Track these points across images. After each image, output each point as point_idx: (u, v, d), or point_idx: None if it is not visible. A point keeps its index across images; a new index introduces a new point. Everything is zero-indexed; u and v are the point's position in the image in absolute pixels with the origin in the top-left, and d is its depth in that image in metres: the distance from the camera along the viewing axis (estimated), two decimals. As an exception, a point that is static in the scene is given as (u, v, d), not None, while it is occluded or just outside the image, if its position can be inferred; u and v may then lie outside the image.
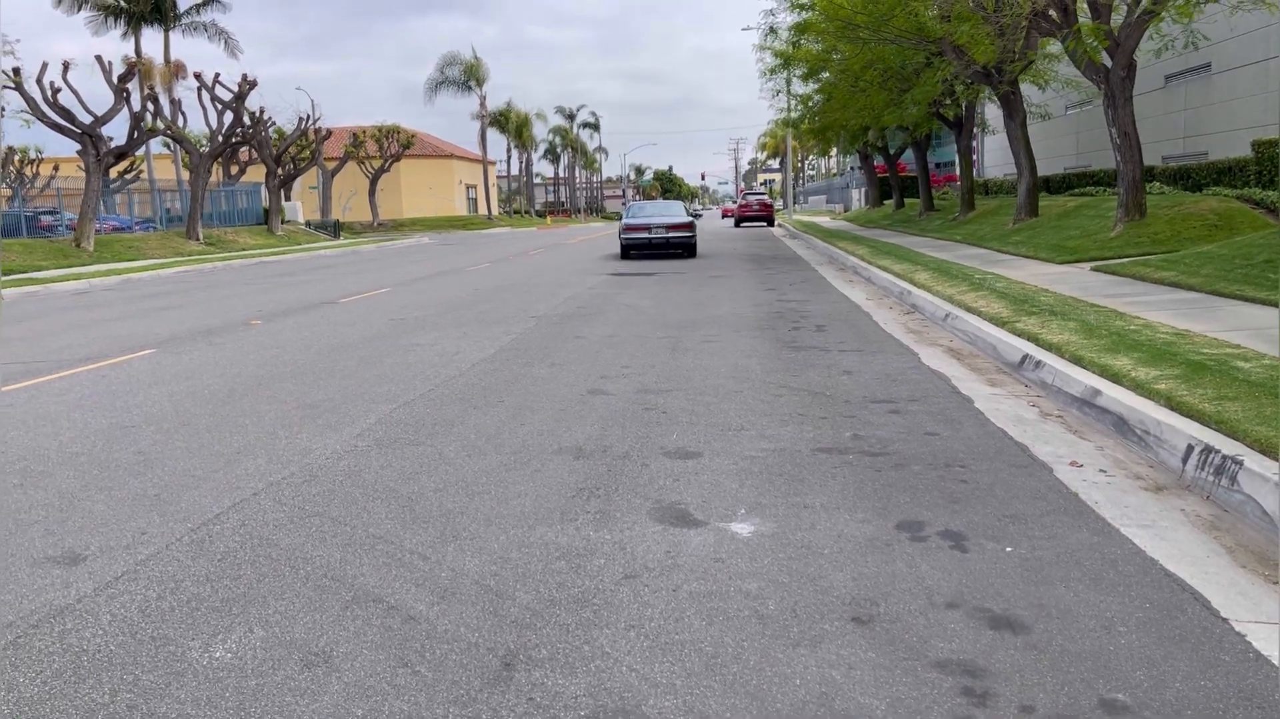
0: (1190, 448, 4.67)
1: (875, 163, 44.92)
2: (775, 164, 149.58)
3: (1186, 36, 12.42)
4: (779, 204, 75.19)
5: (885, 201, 44.95)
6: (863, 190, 54.73)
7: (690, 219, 24.73)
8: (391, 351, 9.28)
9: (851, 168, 62.40)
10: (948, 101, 27.13)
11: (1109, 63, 15.13)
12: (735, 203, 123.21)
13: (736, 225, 49.52)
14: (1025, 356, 7.32)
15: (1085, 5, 15.21)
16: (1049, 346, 7.31)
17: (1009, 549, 3.77)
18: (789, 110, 45.41)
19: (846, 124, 32.02)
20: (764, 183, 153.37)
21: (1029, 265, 14.58)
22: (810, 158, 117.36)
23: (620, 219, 26.52)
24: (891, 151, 38.68)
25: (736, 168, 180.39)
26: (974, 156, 53.50)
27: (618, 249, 24.97)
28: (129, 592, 3.57)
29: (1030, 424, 5.82)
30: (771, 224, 48.22)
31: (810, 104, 33.82)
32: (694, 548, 3.87)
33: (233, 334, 11.09)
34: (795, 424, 5.89)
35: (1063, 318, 8.51)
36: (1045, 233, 18.13)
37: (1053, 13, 15.26)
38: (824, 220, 48.96)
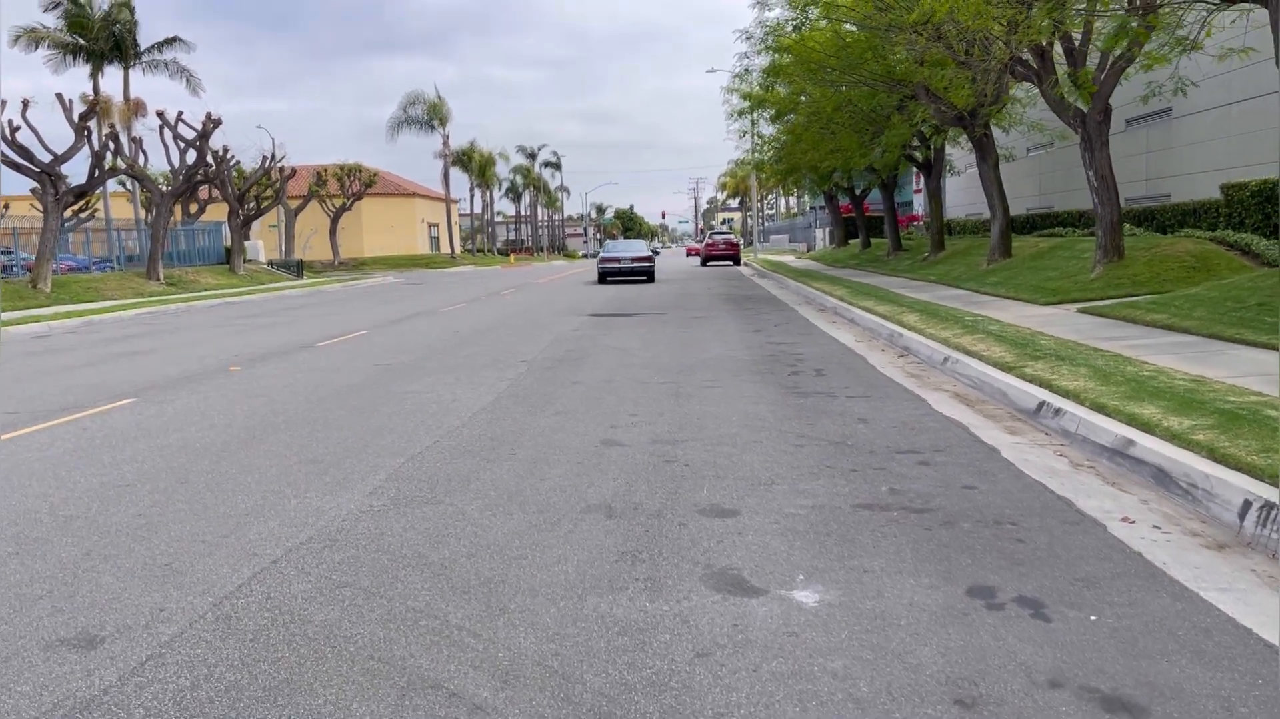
0: (1248, 503, 4.55)
1: (840, 203, 45.32)
2: (734, 204, 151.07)
3: (1174, 84, 12.58)
4: (743, 243, 75.64)
5: (850, 241, 45.34)
6: (827, 230, 55.24)
7: (650, 254, 34.30)
8: (384, 400, 8.99)
9: (814, 207, 63.00)
10: (916, 144, 27.45)
11: (1084, 107, 15.31)
12: (696, 242, 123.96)
13: (703, 264, 49.65)
14: (1042, 403, 7.22)
15: (1061, 51, 15.42)
16: (1065, 393, 7.21)
17: (1093, 618, 3.59)
18: (753, 151, 45.83)
19: (816, 165, 32.27)
20: (724, 221, 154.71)
21: (1013, 307, 14.62)
22: (770, 197, 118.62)
23: (584, 256, 38.70)
24: (858, 192, 39.04)
25: (696, 207, 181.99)
26: (927, 200, 54.44)
27: (588, 290, 25.06)
28: (159, 680, 3.27)
29: (1065, 476, 5.68)
30: (738, 263, 48.41)
31: (778, 145, 34.03)
32: (761, 620, 3.65)
33: (212, 381, 10.72)
34: (826, 477, 5.71)
35: (1070, 362, 8.44)
36: (1022, 274, 18.25)
37: (1029, 59, 15.45)
38: (789, 260, 49.27)
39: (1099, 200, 15.51)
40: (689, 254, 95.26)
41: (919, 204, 47.38)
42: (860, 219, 39.87)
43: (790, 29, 24.33)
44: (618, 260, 33.21)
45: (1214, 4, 10.57)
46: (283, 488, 5.81)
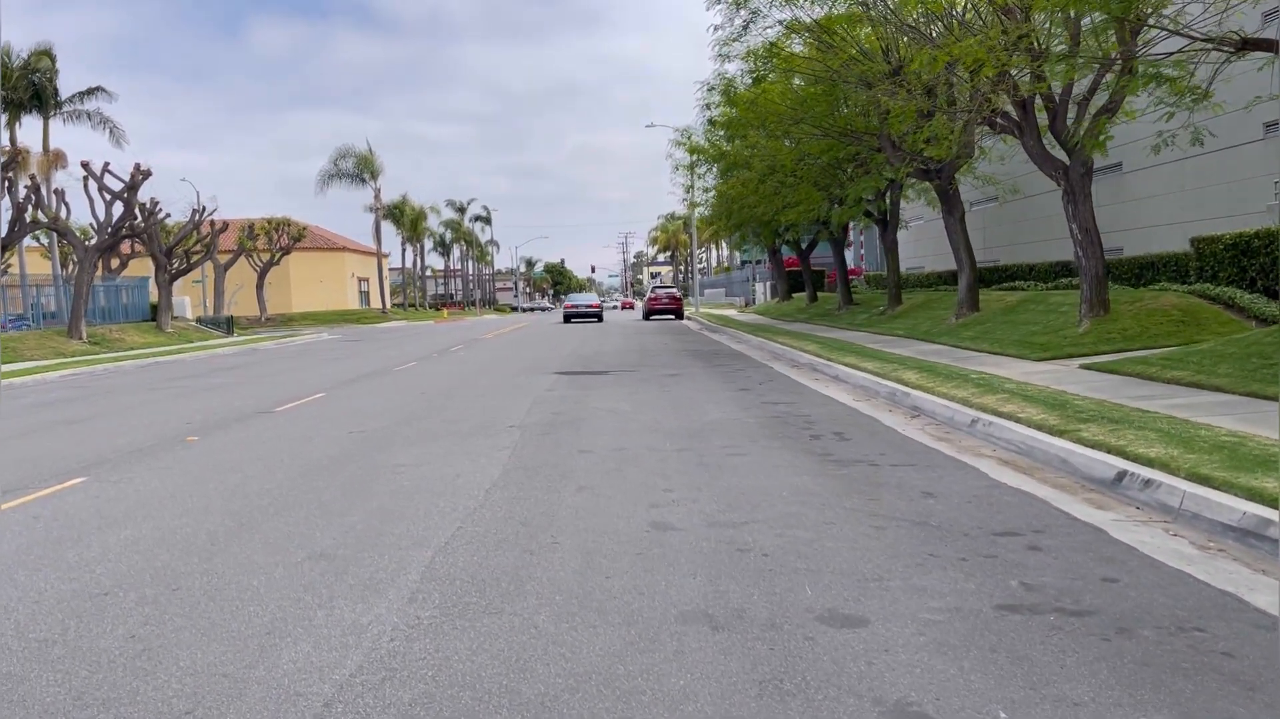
0: None
1: (783, 256, 45.36)
2: (663, 258, 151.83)
3: (1190, 134, 12.41)
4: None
5: (794, 295, 45.30)
6: (767, 284, 55.30)
7: (600, 303, 54.57)
8: (376, 475, 8.03)
9: (749, 261, 63.22)
10: (869, 198, 27.39)
11: (1096, 155, 15.13)
12: (628, 296, 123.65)
13: (645, 318, 49.17)
14: (1123, 473, 6.61)
15: (1041, 103, 15.28)
16: (1148, 462, 6.63)
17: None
18: (695, 205, 45.73)
19: (767, 218, 32.07)
20: (653, 275, 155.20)
21: (1008, 363, 14.21)
22: (700, 251, 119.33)
23: (515, 310, 68.09)
24: (804, 245, 39.03)
25: (625, 261, 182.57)
26: (858, 253, 54.89)
27: (542, 346, 24.45)
28: None
29: (1200, 562, 5.04)
30: (680, 317, 48.07)
31: (728, 199, 33.84)
32: (994, 782, 2.87)
33: (170, 453, 9.61)
34: (938, 570, 4.97)
35: (1128, 425, 7.89)
36: (999, 328, 17.97)
37: (1011, 111, 15.28)
38: (732, 313, 49.06)
39: (1083, 253, 15.30)
40: (623, 308, 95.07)
41: (850, 259, 47.59)
42: (807, 272, 39.83)
43: (749, 82, 24.15)
44: (577, 307, 51.69)
45: (1228, 51, 10.36)
46: (300, 594, 4.86)
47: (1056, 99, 15.02)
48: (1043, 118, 15.73)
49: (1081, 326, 15.29)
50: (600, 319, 49.73)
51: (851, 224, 37.24)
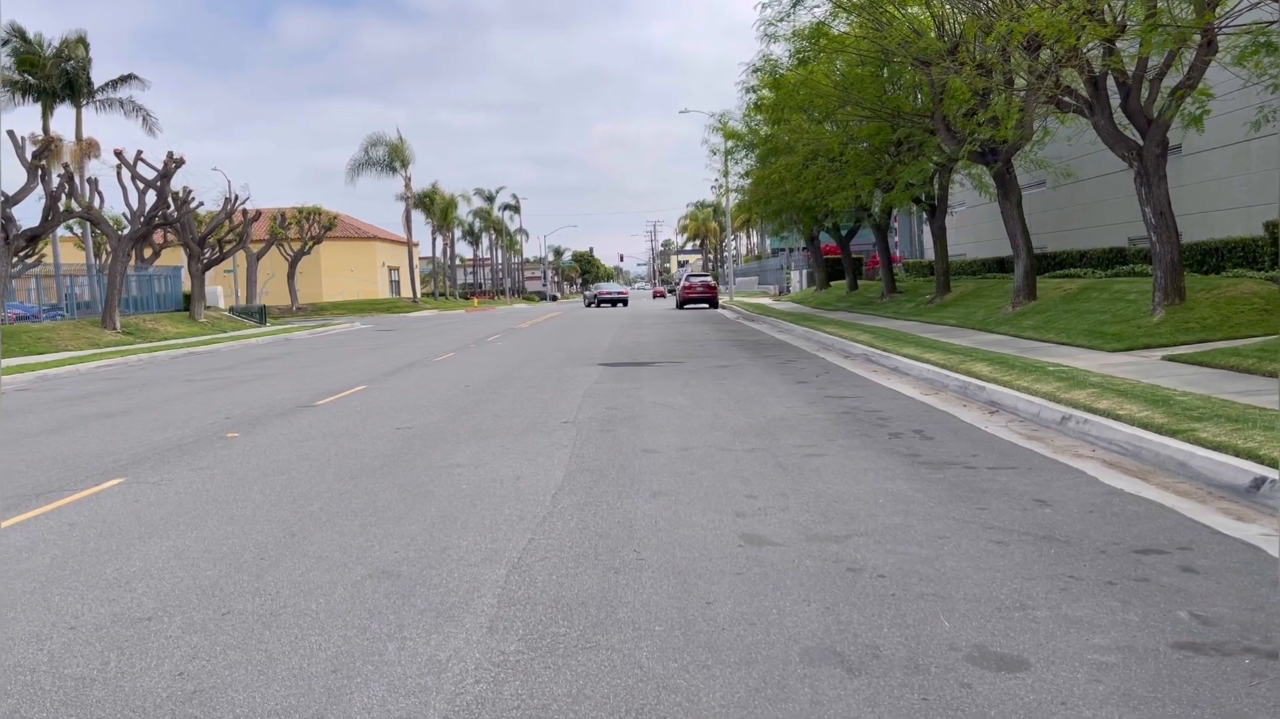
0: None
1: (822, 243, 44.54)
2: (691, 246, 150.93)
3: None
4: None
5: (832, 283, 44.49)
6: (804, 272, 54.45)
7: (625, 290, 70.73)
8: (433, 478, 7.50)
9: (784, 249, 62.33)
10: (918, 183, 26.59)
11: (1140, 140, 14.38)
12: (657, 284, 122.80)
13: (679, 307, 48.49)
14: (1262, 480, 5.95)
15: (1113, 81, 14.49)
16: (1291, 468, 5.95)
17: None
18: (727, 192, 45.01)
19: (810, 204, 31.32)
20: (681, 263, 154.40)
21: (1080, 354, 13.48)
22: (730, 240, 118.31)
23: (541, 298, 78.13)
24: (844, 232, 38.22)
25: (653, 250, 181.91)
26: (893, 240, 53.83)
27: (581, 336, 24.95)
28: None
29: (1387, 587, 4.40)
30: (715, 306, 47.35)
31: (767, 184, 33.06)
32: None
33: (211, 451, 9.14)
34: (1087, 597, 4.36)
35: (1252, 425, 7.21)
36: (1061, 317, 17.21)
37: (1079, 88, 14.50)
38: (767, 302, 48.31)
39: (1158, 238, 14.52)
40: (655, 296, 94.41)
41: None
42: (847, 260, 38.99)
43: (794, 64, 23.44)
44: (607, 293, 65.83)
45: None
46: (365, 621, 4.32)
47: (1129, 75, 14.23)
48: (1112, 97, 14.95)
49: (1156, 315, 14.51)
50: (626, 304, 62.37)
51: (893, 210, 36.39)
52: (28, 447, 9.96)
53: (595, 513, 6.19)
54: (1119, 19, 12.65)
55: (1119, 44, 13.90)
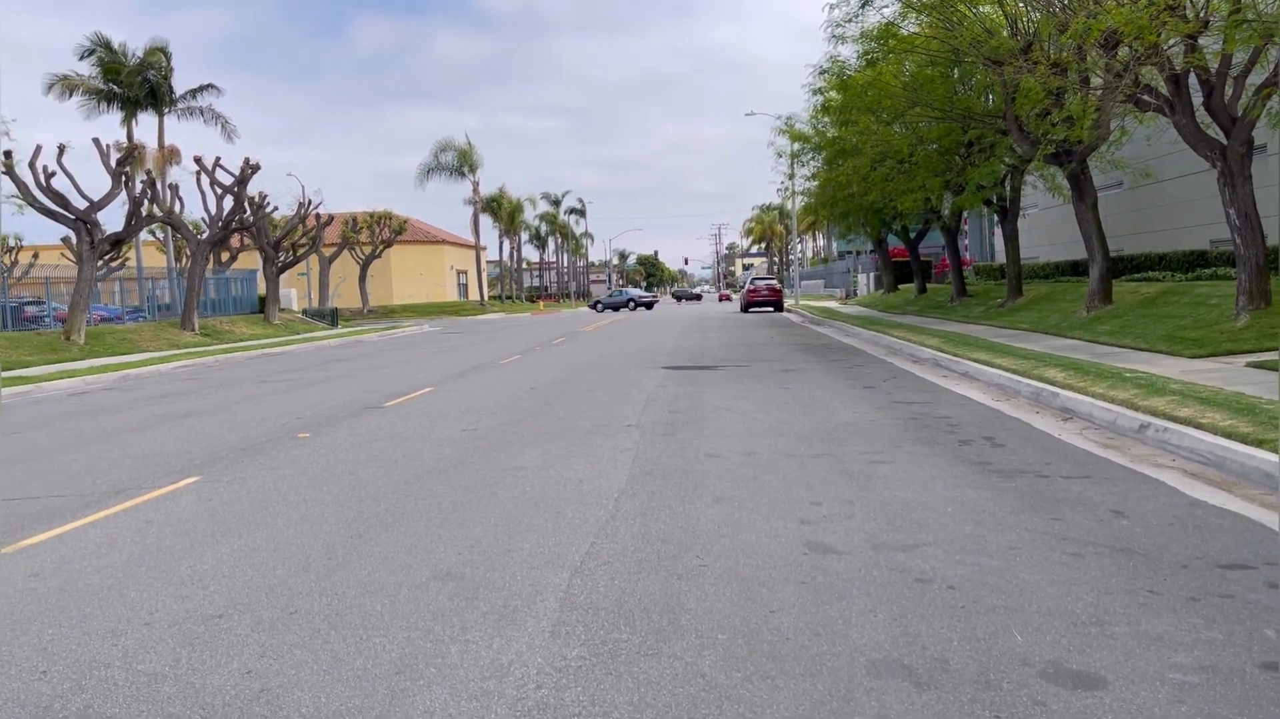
0: None
1: (889, 246, 43.96)
2: (756, 249, 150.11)
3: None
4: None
5: (900, 286, 43.88)
6: (871, 275, 53.81)
7: (638, 295, 69.79)
8: (496, 479, 7.54)
9: (850, 252, 61.69)
10: (989, 185, 26.08)
11: (1225, 139, 13.90)
12: (724, 288, 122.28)
13: (744, 310, 48.27)
14: (1356, 494, 5.69)
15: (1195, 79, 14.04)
16: (1386, 481, 5.68)
17: None
18: (791, 190, 44.66)
19: (878, 206, 30.93)
20: (746, 266, 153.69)
21: (1159, 360, 13.07)
22: (796, 243, 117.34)
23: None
24: (913, 235, 37.67)
25: (717, 253, 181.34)
26: (962, 243, 52.80)
27: (644, 339, 25.41)
28: None
29: None
30: (780, 309, 47.03)
31: (833, 187, 32.71)
32: None
33: (282, 450, 9.31)
34: (1168, 613, 4.19)
35: (1343, 436, 6.90)
36: (1138, 322, 16.72)
37: (1159, 86, 14.07)
38: (834, 305, 47.84)
39: (1242, 240, 14.03)
40: (721, 299, 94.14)
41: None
42: (916, 263, 38.42)
43: (862, 65, 23.18)
44: (618, 298, 69.49)
45: None
46: (429, 623, 4.34)
47: (1212, 73, 13.77)
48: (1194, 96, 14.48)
49: (1239, 320, 14.01)
50: (650, 307, 66.59)
51: (963, 212, 35.76)
52: (110, 444, 10.26)
53: (658, 517, 6.15)
54: (1201, 15, 12.25)
55: (1201, 41, 13.47)
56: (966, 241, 51.89)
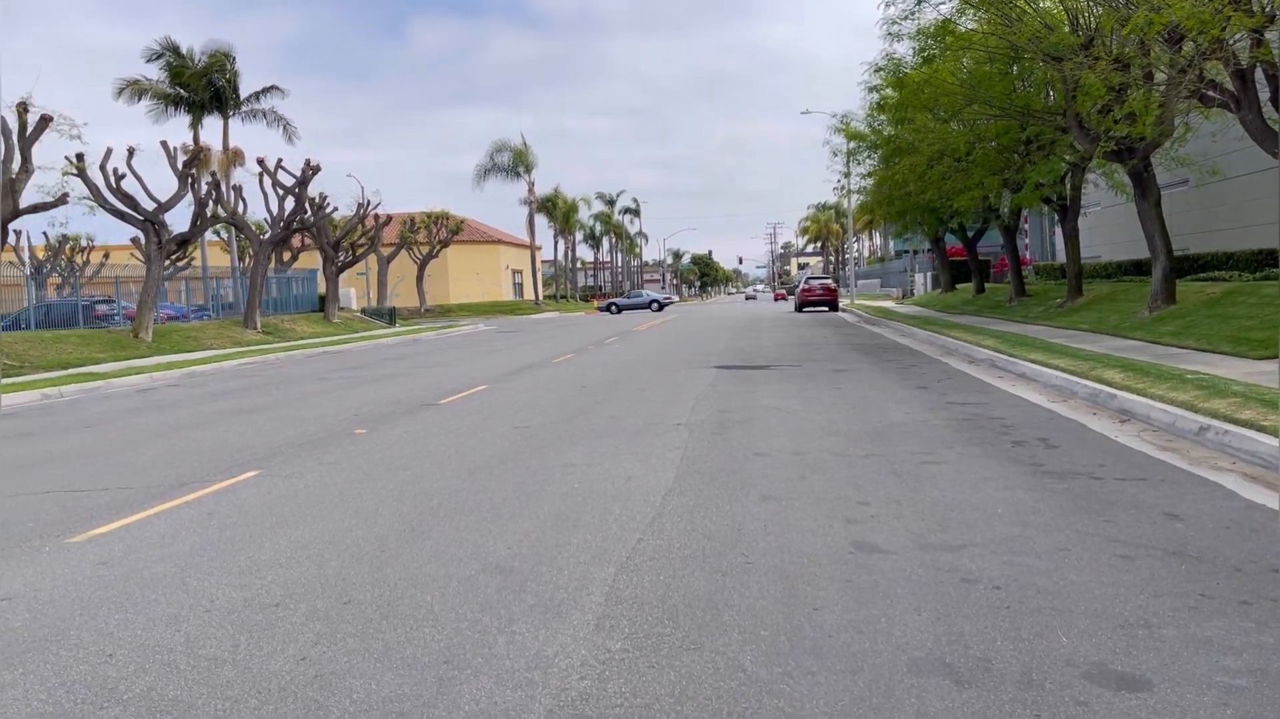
0: None
1: (947, 245, 43.41)
2: (812, 249, 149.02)
3: None
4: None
5: (957, 286, 43.32)
6: (928, 274, 53.20)
7: (654, 299, 68.53)
8: (546, 476, 7.64)
9: (906, 251, 60.99)
10: (1048, 183, 25.65)
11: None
12: (778, 287, 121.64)
13: (798, 310, 48.00)
14: None
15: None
16: None
17: None
18: (847, 189, 44.31)
19: (934, 205, 30.59)
20: (801, 266, 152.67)
21: (1222, 362, 12.78)
22: (852, 242, 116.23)
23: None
24: (971, 234, 37.17)
25: (772, 252, 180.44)
26: (1023, 242, 51.85)
27: (696, 339, 25.61)
28: None
29: None
30: (835, 309, 46.67)
31: (889, 185, 32.40)
32: None
33: (339, 446, 9.52)
34: (1219, 616, 4.14)
35: None
36: (1203, 323, 16.35)
37: (1225, 82, 13.75)
38: (890, 305, 47.38)
39: (1312, 240, 13.63)
40: (776, 299, 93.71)
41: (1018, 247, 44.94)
42: (974, 262, 37.92)
43: (918, 62, 22.96)
44: (634, 301, 68.43)
45: None
46: (477, 614, 4.44)
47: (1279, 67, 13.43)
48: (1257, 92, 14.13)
49: (1308, 321, 13.64)
50: (661, 309, 65.14)
51: (1023, 210, 35.21)
52: (174, 439, 10.57)
53: (704, 515, 6.20)
54: (1267, 8, 11.95)
55: (1267, 35, 13.14)
56: (1027, 241, 51.02)
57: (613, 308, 66.47)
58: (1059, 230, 34.20)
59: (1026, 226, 51.25)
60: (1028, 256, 46.96)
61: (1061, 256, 38.19)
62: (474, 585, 4.89)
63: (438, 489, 7.29)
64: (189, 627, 4.42)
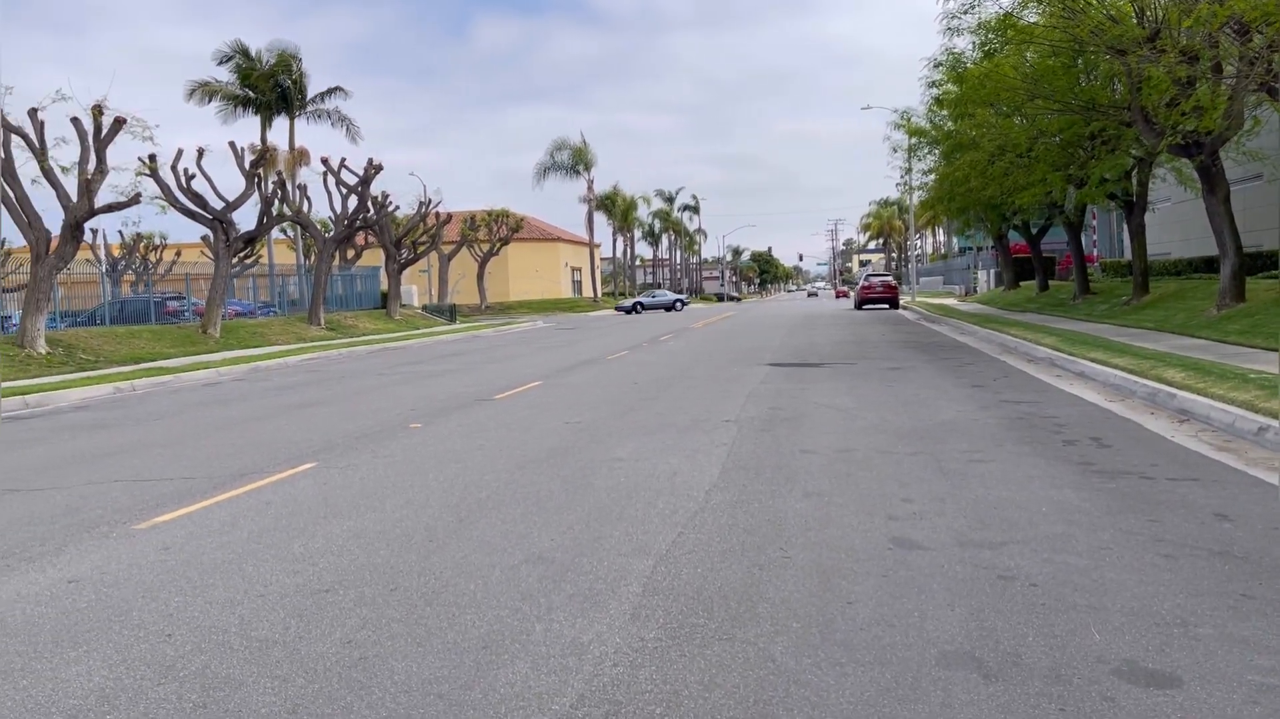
0: None
1: (1009, 242, 42.71)
2: (874, 245, 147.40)
3: None
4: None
5: (1021, 283, 42.62)
6: (991, 271, 52.41)
7: (673, 298, 65.98)
8: (594, 471, 7.76)
9: (976, 247, 60.10)
10: (1114, 179, 25.13)
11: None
12: (841, 284, 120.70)
13: (858, 308, 47.57)
14: None
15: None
16: None
17: None
18: (909, 185, 43.82)
19: (996, 201, 30.15)
20: (863, 262, 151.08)
21: (1290, 361, 12.45)
22: (914, 239, 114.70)
23: (719, 299, 79.17)
24: (1034, 230, 36.54)
25: (833, 249, 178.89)
26: (1091, 239, 50.73)
27: (749, 335, 25.90)
28: None
29: None
30: (895, 306, 46.15)
31: (949, 182, 32.00)
32: None
33: (395, 440, 9.75)
34: (1258, 616, 4.10)
35: None
36: (1273, 321, 15.91)
37: (1295, 73, 13.39)
38: (951, 303, 46.75)
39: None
40: (838, 296, 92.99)
41: (1084, 244, 43.99)
42: (1037, 260, 37.28)
43: (979, 56, 22.66)
44: (655, 301, 64.54)
45: None
46: (517, 603, 4.57)
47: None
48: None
49: (1382, 320, 13.23)
50: (682, 308, 64.34)
51: (1088, 207, 34.52)
52: (238, 432, 10.91)
53: (746, 510, 6.26)
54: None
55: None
56: (1095, 238, 49.99)
57: (638, 308, 62.20)
58: (1127, 227, 33.52)
59: (1095, 223, 50.23)
60: (1094, 253, 46.04)
61: (1130, 253, 37.43)
62: (516, 575, 5.02)
63: (487, 481, 7.45)
64: (243, 610, 4.61)
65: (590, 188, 75.95)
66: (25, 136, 20.82)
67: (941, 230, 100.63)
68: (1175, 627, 4.02)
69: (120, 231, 50.18)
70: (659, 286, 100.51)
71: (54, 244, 21.62)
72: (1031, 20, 20.29)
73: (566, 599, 4.61)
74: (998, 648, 3.85)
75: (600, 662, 3.84)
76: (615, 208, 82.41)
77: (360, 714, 3.44)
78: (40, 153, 21.00)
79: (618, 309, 63.84)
